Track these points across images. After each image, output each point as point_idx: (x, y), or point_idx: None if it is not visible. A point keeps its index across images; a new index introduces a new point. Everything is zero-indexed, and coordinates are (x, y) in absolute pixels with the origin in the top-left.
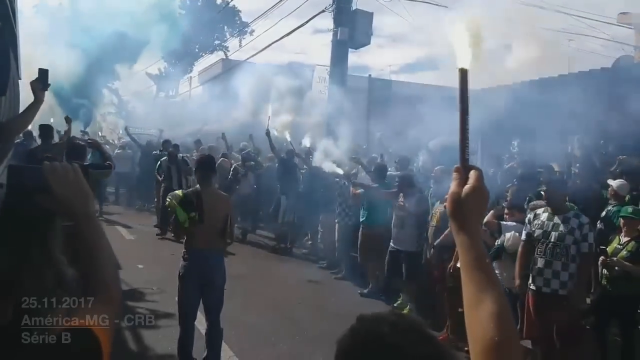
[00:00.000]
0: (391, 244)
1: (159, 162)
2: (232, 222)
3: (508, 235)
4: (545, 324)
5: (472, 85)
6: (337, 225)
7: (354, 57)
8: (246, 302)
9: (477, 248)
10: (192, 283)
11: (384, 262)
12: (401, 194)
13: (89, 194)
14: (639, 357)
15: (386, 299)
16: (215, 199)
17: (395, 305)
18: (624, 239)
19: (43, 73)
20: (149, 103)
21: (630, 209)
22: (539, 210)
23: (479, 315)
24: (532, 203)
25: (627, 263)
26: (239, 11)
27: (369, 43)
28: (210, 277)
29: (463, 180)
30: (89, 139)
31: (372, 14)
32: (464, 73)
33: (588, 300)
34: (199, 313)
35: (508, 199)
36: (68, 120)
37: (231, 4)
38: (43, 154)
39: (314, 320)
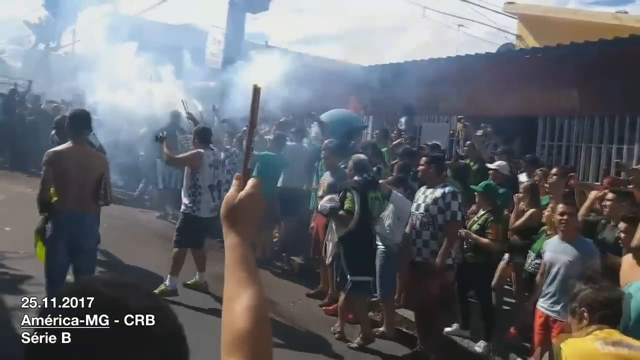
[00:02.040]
0: None
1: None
2: (107, 183)
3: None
4: (419, 292)
5: (368, 62)
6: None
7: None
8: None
9: (243, 249)
10: (61, 246)
11: (272, 232)
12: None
13: None
14: (499, 320)
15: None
16: (86, 158)
17: (188, 282)
18: (480, 213)
19: None
20: (26, 54)
21: (483, 184)
22: (422, 187)
23: (235, 308)
24: None
25: (474, 235)
26: None
27: (267, 9)
28: (81, 240)
29: (241, 187)
30: None
31: None
32: (257, 90)
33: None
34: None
35: (393, 174)
36: None
37: None
38: None
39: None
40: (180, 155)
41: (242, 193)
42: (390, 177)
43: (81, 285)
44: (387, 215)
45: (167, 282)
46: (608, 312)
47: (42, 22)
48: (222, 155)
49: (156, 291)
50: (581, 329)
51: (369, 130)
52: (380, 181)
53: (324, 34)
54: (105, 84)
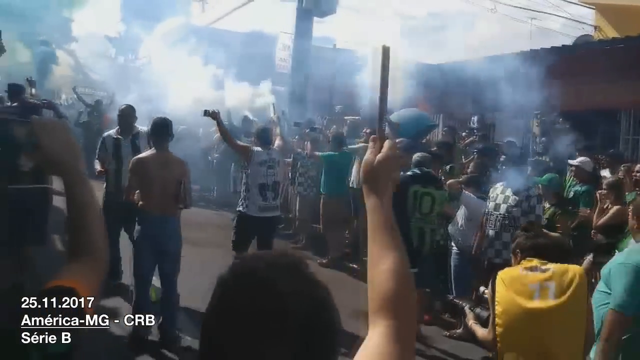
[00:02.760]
0: None
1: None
2: (186, 188)
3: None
4: None
5: (432, 60)
6: (297, 196)
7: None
8: (203, 269)
9: (386, 211)
10: (146, 248)
11: (343, 232)
12: None
13: (77, 150)
14: None
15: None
16: (167, 164)
17: None
18: (546, 206)
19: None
20: (107, 67)
21: (548, 176)
22: (497, 184)
23: (379, 271)
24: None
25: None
26: None
27: (334, 12)
28: (165, 243)
29: (377, 149)
30: (43, 100)
31: None
32: (386, 50)
33: None
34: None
35: (467, 173)
36: (32, 83)
37: None
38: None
39: None
40: (233, 139)
41: (380, 155)
42: (463, 176)
43: (244, 264)
44: (460, 216)
45: None
46: (532, 253)
47: (121, 36)
48: (277, 155)
49: None
50: (515, 264)
51: (440, 129)
52: (450, 181)
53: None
54: (179, 91)
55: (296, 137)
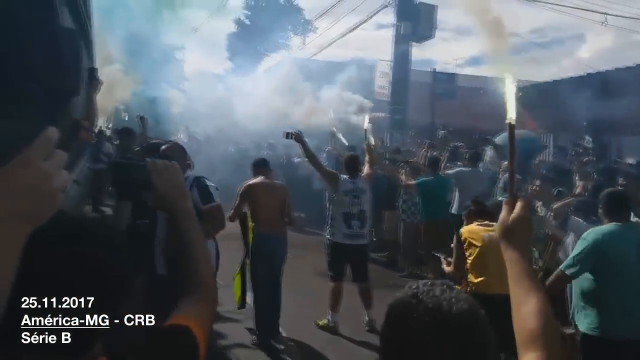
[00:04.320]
0: None
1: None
2: (289, 207)
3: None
4: None
5: (537, 78)
6: (402, 223)
7: (418, 52)
8: (314, 300)
9: (523, 262)
10: (261, 264)
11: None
12: None
13: (184, 190)
14: None
15: None
16: (272, 187)
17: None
18: None
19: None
20: (214, 103)
21: None
22: None
23: (523, 312)
24: None
25: None
26: (302, 9)
27: (432, 36)
28: (275, 258)
29: (511, 209)
30: (168, 140)
31: (435, 6)
32: (511, 127)
33: None
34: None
35: (578, 194)
36: (144, 120)
37: (295, 3)
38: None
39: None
40: (321, 164)
41: (514, 215)
42: (570, 198)
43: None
44: (569, 243)
45: (329, 317)
46: (482, 216)
47: (227, 72)
48: (364, 184)
49: (319, 323)
50: (469, 223)
51: (550, 150)
52: (557, 205)
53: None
54: (285, 123)
55: (386, 161)
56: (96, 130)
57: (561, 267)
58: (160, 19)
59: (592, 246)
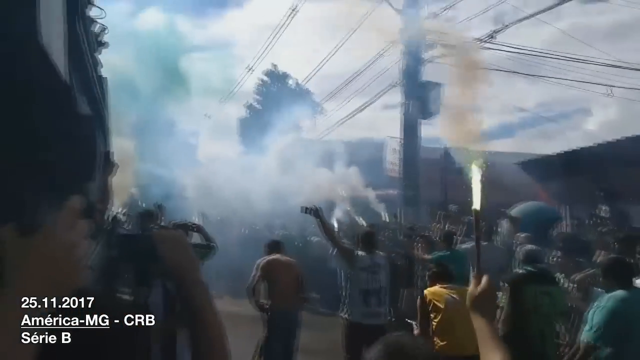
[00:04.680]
0: None
1: None
2: (304, 283)
3: None
4: None
5: (545, 151)
6: (419, 299)
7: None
8: None
9: (490, 326)
10: (277, 339)
11: None
12: None
13: (195, 261)
14: None
15: None
16: (287, 264)
17: None
18: None
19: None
20: (228, 186)
21: None
22: (637, 281)
23: None
24: None
25: None
26: (312, 92)
27: (439, 112)
28: (291, 332)
29: (478, 283)
30: (192, 224)
31: (441, 84)
32: (477, 213)
33: None
34: None
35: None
36: (161, 208)
37: (304, 87)
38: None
39: None
40: (339, 240)
41: (480, 287)
42: (591, 269)
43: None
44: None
45: None
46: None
47: (240, 156)
48: (382, 260)
49: None
50: (432, 285)
51: (567, 221)
52: (579, 276)
53: (497, 127)
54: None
55: (402, 237)
56: (111, 216)
57: (586, 339)
58: (174, 106)
59: (613, 313)
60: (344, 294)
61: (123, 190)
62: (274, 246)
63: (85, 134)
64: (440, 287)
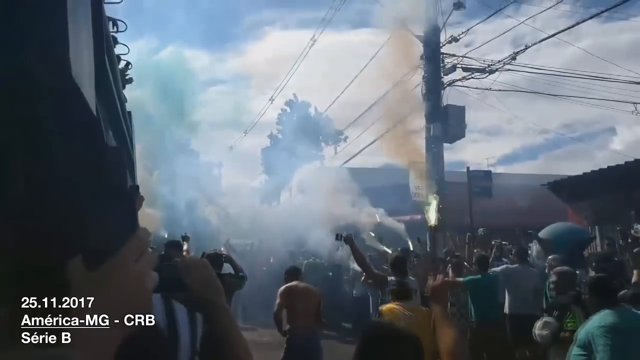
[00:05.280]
0: None
1: None
2: (322, 308)
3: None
4: None
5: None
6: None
7: (450, 154)
8: None
9: (444, 311)
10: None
11: None
12: None
13: (218, 286)
14: None
15: None
16: (307, 291)
17: None
18: None
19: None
20: (252, 215)
21: None
22: None
23: (444, 340)
24: None
25: None
26: (332, 120)
27: (463, 136)
28: (310, 356)
29: (434, 279)
30: (223, 254)
31: (464, 107)
32: (435, 228)
33: None
34: None
35: (634, 283)
36: (187, 239)
37: (324, 114)
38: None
39: None
40: (371, 266)
41: (435, 282)
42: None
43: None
44: None
45: None
46: (398, 296)
47: (263, 185)
48: (413, 284)
49: None
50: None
51: (598, 242)
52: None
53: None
54: (325, 230)
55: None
56: None
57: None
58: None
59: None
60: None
61: (149, 223)
62: (293, 272)
63: (114, 165)
64: (397, 304)
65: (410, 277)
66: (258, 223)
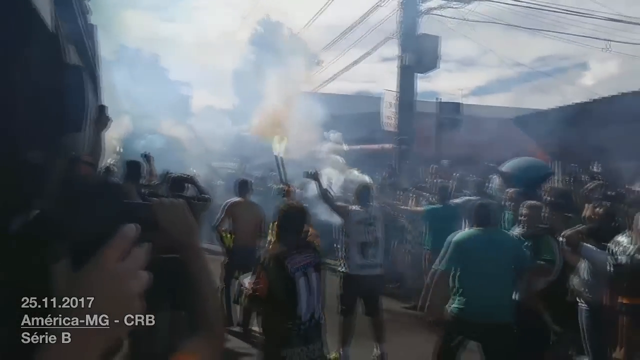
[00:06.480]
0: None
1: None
2: (263, 226)
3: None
4: None
5: (541, 106)
6: (408, 254)
7: (424, 83)
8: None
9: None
10: (233, 270)
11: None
12: None
13: (194, 228)
14: None
15: None
16: (249, 207)
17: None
18: None
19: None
20: (225, 139)
21: None
22: (619, 237)
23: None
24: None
25: None
26: (306, 43)
27: (436, 67)
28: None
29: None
30: (186, 175)
31: (438, 37)
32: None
33: None
34: None
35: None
36: (149, 158)
37: (300, 37)
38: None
39: None
40: (333, 200)
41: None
42: (581, 226)
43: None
44: (582, 269)
45: (340, 351)
46: None
47: (235, 108)
48: (377, 211)
49: (331, 357)
50: None
51: (559, 177)
52: (568, 232)
53: (494, 82)
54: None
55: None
56: (103, 168)
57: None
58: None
59: (455, 244)
60: (340, 248)
61: (114, 142)
62: (242, 185)
63: (73, 84)
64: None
65: (374, 205)
66: (237, 147)
